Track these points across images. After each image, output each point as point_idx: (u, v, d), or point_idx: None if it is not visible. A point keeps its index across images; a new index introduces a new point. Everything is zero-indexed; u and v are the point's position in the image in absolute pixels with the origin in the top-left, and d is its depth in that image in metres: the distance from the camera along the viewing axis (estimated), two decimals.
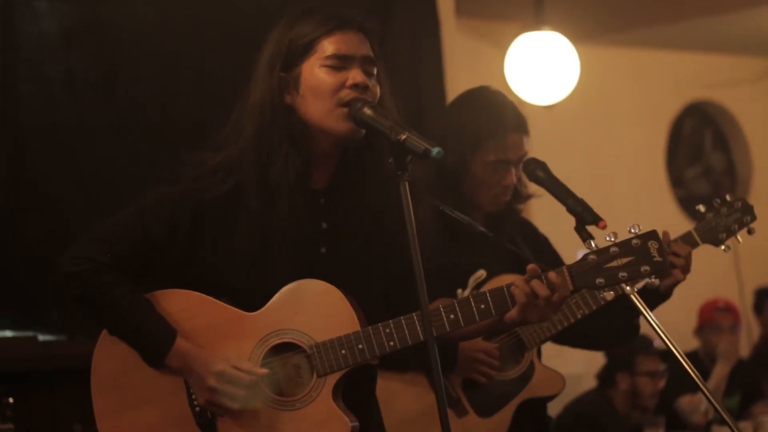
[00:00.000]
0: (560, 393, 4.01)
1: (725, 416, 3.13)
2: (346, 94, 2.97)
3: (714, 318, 7.34)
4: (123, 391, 3.04)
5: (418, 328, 2.95)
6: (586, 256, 2.96)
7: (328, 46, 2.99)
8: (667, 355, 6.28)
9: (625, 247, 2.92)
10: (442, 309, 2.97)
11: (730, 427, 3.11)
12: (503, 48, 7.54)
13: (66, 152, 5.13)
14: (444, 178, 3.85)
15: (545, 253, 4.08)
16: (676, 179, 9.89)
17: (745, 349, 8.34)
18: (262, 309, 3.00)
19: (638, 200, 9.17)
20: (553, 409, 4.26)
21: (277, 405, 2.99)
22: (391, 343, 2.97)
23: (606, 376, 6.59)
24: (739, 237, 3.95)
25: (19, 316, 5.01)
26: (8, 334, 5.01)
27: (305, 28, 3.02)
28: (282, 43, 3.03)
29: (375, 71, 3.04)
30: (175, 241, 3.01)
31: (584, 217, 3.34)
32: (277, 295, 2.99)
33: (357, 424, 2.99)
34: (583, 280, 2.95)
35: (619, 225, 3.27)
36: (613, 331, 4.07)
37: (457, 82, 6.32)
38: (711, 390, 3.25)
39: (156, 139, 5.26)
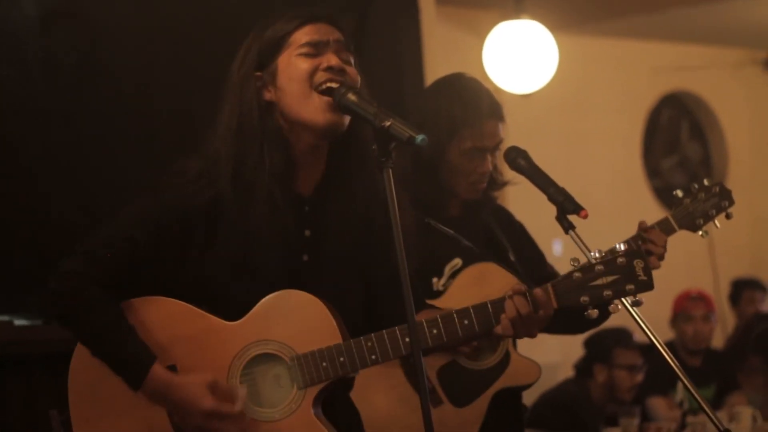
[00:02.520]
0: (536, 382, 4.01)
1: (704, 406, 3.13)
2: (321, 76, 2.95)
3: (686, 307, 7.37)
4: (100, 401, 2.98)
5: (400, 341, 2.94)
6: (571, 273, 2.96)
7: (302, 37, 2.99)
8: (646, 349, 6.31)
9: (610, 265, 2.93)
10: (425, 323, 2.95)
11: (709, 417, 3.12)
12: (482, 36, 7.54)
13: (44, 136, 5.10)
14: (420, 166, 3.85)
15: (522, 241, 4.08)
16: (653, 169, 9.92)
17: (720, 341, 8.38)
18: (243, 319, 2.96)
19: (614, 190, 9.21)
20: (528, 398, 4.26)
21: (257, 416, 2.96)
22: (373, 357, 2.94)
23: (583, 367, 6.60)
24: (716, 222, 3.93)
25: None
26: None
27: (277, 26, 3.02)
28: (255, 42, 3.03)
29: (351, 60, 3.03)
30: (161, 253, 2.96)
31: (566, 206, 3.34)
32: (258, 305, 2.96)
33: None
34: (568, 298, 2.96)
35: (594, 215, 3.26)
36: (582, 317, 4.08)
37: (436, 70, 6.32)
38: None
39: (136, 123, 5.24)
